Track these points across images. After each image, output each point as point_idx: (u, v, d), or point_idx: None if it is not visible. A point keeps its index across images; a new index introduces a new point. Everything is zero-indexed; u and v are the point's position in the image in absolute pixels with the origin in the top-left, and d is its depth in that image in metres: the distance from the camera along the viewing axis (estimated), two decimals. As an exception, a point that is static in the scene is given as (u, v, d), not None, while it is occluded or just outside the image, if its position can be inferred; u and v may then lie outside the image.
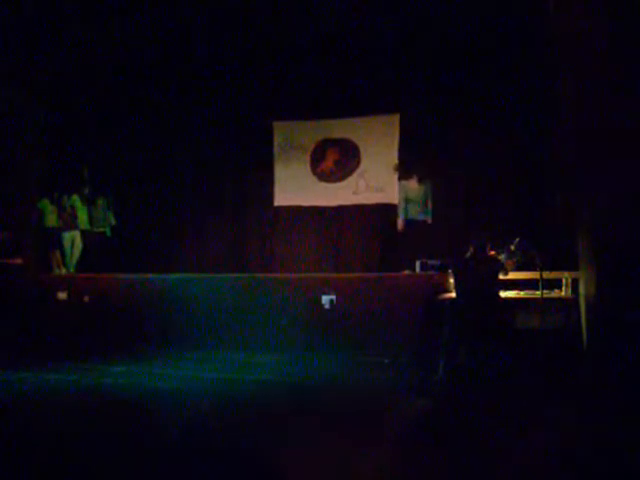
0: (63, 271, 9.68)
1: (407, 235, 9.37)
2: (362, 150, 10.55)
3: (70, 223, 9.79)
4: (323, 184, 10.69)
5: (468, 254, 6.68)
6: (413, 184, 9.39)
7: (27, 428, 5.03)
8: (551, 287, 7.21)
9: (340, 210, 10.62)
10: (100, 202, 10.25)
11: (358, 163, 10.56)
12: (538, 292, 6.93)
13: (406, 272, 8.86)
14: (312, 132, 10.82)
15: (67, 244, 9.75)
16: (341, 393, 6.27)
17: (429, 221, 9.34)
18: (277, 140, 10.91)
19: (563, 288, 7.18)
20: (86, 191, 10.09)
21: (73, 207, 9.84)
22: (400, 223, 9.44)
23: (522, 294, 7.21)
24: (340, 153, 10.67)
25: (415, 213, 9.32)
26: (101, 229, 10.22)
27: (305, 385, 6.63)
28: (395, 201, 10.16)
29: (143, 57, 10.37)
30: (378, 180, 10.40)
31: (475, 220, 9.56)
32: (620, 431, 4.61)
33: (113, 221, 10.37)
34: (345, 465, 4.11)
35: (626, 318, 5.72)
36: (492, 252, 6.87)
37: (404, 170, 9.63)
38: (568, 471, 3.99)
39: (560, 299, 7.09)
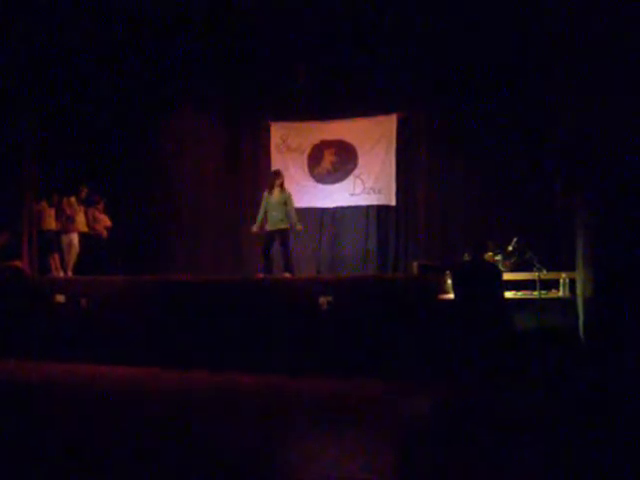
0: (61, 273, 9.68)
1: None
2: (359, 151, 10.57)
3: (68, 225, 9.79)
4: (320, 186, 10.71)
5: (466, 257, 6.70)
6: (274, 194, 8.70)
7: None
8: (549, 287, 7.25)
9: (337, 211, 10.66)
10: (97, 205, 10.27)
11: (355, 165, 10.58)
12: (536, 292, 6.96)
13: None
14: (309, 133, 10.84)
15: (65, 246, 9.75)
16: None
17: (298, 228, 8.72)
18: (274, 141, 10.93)
19: (561, 288, 7.20)
20: (84, 194, 10.11)
21: (71, 209, 9.84)
22: (254, 227, 8.77)
23: (520, 294, 7.23)
24: (337, 155, 10.69)
25: (275, 223, 8.53)
26: (98, 231, 10.23)
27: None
28: (393, 202, 10.24)
29: (141, 57, 10.39)
30: (375, 181, 10.43)
31: (473, 221, 9.60)
32: (619, 431, 4.65)
33: (109, 223, 10.38)
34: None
35: (623, 318, 5.76)
36: (492, 259, 6.86)
37: (269, 180, 8.99)
38: (568, 471, 4.03)
39: (558, 299, 7.11)
